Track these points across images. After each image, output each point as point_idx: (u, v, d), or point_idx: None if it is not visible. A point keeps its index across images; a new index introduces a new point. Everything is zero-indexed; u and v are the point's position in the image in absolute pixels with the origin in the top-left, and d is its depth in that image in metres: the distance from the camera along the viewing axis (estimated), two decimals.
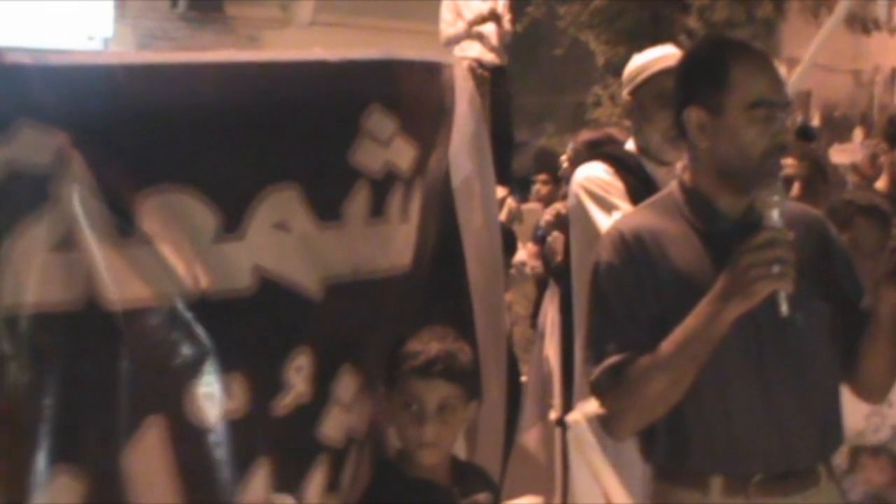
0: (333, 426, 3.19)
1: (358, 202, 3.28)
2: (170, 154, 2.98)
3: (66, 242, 2.80)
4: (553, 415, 5.12)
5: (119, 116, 2.91)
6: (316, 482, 3.14)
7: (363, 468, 3.34)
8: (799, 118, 15.75)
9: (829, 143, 15.43)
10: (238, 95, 3.13)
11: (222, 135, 3.07)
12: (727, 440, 2.79)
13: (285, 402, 3.08)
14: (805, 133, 8.53)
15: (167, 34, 15.17)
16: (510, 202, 8.82)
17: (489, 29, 10.43)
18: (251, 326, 3.03)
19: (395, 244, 3.39)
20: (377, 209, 3.32)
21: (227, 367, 2.97)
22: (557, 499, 4.90)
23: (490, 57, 10.52)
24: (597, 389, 2.82)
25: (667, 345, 2.69)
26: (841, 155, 14.07)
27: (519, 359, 6.69)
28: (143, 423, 2.85)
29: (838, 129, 17.90)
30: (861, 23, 16.09)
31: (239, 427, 2.96)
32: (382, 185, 3.34)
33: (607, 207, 3.99)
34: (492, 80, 10.57)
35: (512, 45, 10.90)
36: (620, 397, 2.77)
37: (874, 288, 2.83)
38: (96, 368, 2.84)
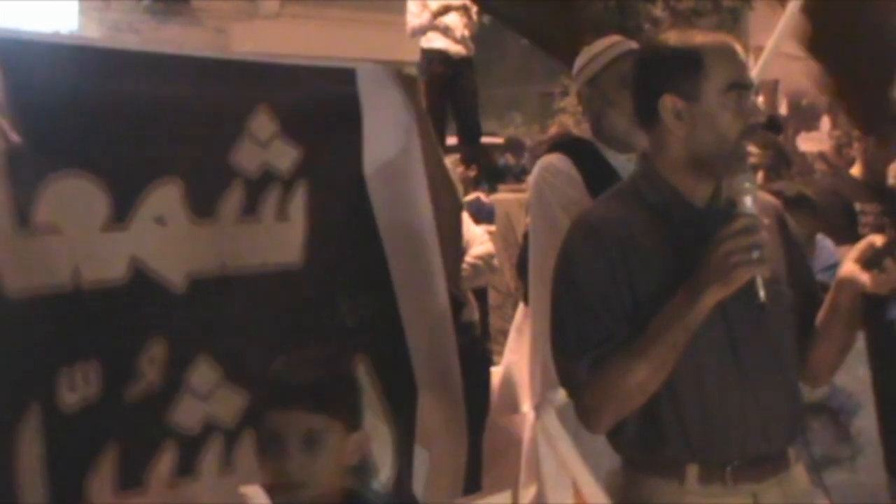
0: (185, 413, 3.27)
1: (232, 200, 3.36)
2: (74, 138, 3.02)
3: None
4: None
5: (31, 100, 2.94)
6: (163, 465, 3.22)
7: (244, 454, 3.40)
8: (764, 106, 15.79)
9: (796, 131, 15.49)
10: (138, 85, 3.18)
11: (121, 122, 3.13)
12: (703, 428, 2.79)
13: (136, 391, 3.15)
14: (771, 124, 8.58)
15: (132, 26, 15.10)
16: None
17: (454, 20, 10.44)
18: (115, 316, 3.10)
19: (271, 242, 3.46)
20: (250, 208, 3.40)
21: (88, 355, 3.03)
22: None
23: (456, 48, 10.53)
24: (574, 383, 2.79)
25: (646, 335, 2.68)
26: (808, 143, 14.15)
27: (492, 350, 6.71)
28: (27, 411, 2.90)
29: (805, 117, 17.95)
30: None
31: (92, 412, 3.01)
32: (257, 185, 3.43)
33: (565, 199, 4.00)
34: (459, 72, 10.59)
35: (478, 36, 10.91)
36: (599, 391, 2.74)
37: (839, 273, 2.85)
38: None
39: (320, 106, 3.64)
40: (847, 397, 3.89)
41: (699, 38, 2.80)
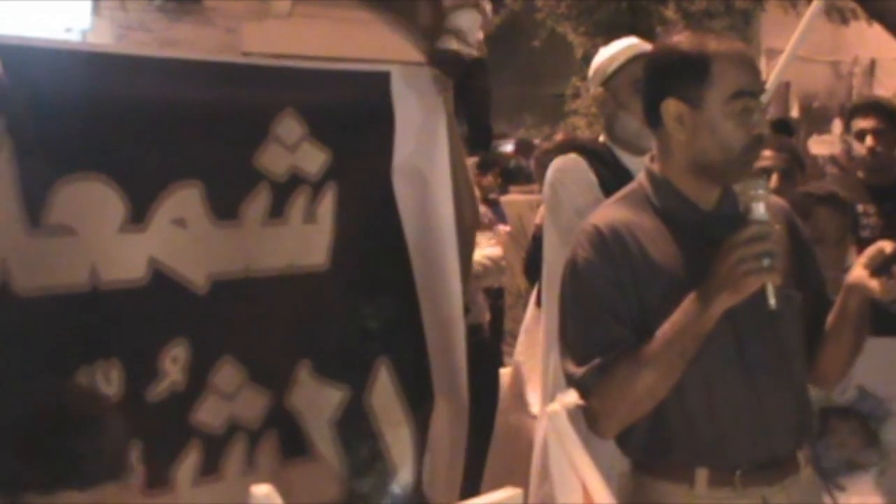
0: (210, 413, 3.28)
1: (257, 203, 3.36)
2: (89, 142, 3.02)
3: None
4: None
5: (49, 102, 2.94)
6: (188, 464, 3.24)
7: (266, 454, 3.44)
8: (775, 109, 15.76)
9: (807, 134, 15.46)
10: (156, 89, 3.18)
11: (139, 126, 3.13)
12: (712, 432, 2.78)
13: (159, 389, 3.16)
14: (783, 127, 8.56)
15: (144, 26, 15.12)
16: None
17: (467, 21, 10.44)
18: (135, 316, 3.10)
19: (298, 244, 3.46)
20: (277, 210, 3.40)
21: (107, 354, 3.04)
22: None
23: (468, 50, 10.53)
24: (582, 389, 2.79)
25: (654, 342, 2.68)
26: (820, 146, 14.11)
27: (503, 351, 6.70)
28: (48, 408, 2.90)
29: (817, 120, 17.94)
30: (839, 13, 16.11)
31: (115, 411, 3.02)
32: (285, 188, 3.42)
33: (580, 201, 3.99)
34: (471, 73, 10.58)
35: (490, 38, 10.90)
36: (608, 396, 2.74)
37: (848, 278, 2.84)
38: (3, 352, 2.87)
39: (353, 109, 3.63)
40: (877, 403, 3.86)
41: (710, 43, 2.76)
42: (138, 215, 3.12)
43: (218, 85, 3.35)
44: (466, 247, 4.13)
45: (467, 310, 4.32)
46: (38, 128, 2.92)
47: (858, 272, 2.80)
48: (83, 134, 3.02)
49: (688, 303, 2.64)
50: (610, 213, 2.92)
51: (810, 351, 2.93)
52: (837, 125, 16.95)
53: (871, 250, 2.80)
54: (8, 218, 2.87)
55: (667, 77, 2.80)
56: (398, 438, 3.77)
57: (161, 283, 3.18)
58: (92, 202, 3.03)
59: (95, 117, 3.05)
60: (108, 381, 3.05)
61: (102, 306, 3.04)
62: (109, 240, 3.06)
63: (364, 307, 3.69)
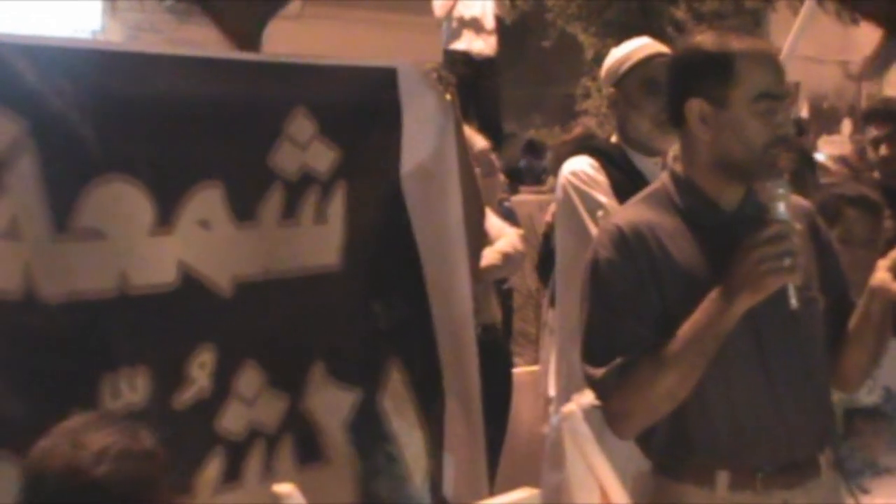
0: (232, 419, 3.26)
1: (272, 203, 3.34)
2: (115, 143, 3.00)
3: (11, 232, 2.81)
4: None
5: (78, 104, 2.92)
6: (211, 472, 3.22)
7: (283, 459, 3.42)
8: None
9: (817, 134, 15.42)
10: (177, 87, 3.17)
11: (162, 126, 3.11)
12: (732, 434, 2.78)
13: (186, 396, 3.15)
14: (794, 127, 8.53)
15: (154, 27, 15.13)
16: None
17: (480, 8, 10.40)
18: (165, 321, 3.09)
19: (310, 245, 3.44)
20: (290, 211, 3.39)
21: (133, 361, 3.01)
22: None
23: (479, 48, 10.49)
24: (602, 389, 2.78)
25: (675, 342, 2.68)
26: (829, 146, 14.06)
27: (513, 352, 6.69)
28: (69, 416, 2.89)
29: (826, 120, 17.88)
30: (849, 13, 16.07)
31: (138, 419, 3.00)
32: (297, 188, 3.41)
33: (592, 203, 3.99)
34: (481, 73, 10.56)
35: (500, 38, 10.88)
36: (628, 397, 2.74)
37: (871, 281, 2.84)
38: (27, 360, 2.86)
39: (360, 106, 3.62)
40: None
41: (735, 43, 2.77)
42: (165, 217, 3.11)
43: (235, 83, 3.34)
44: (474, 246, 4.12)
45: (476, 310, 4.32)
46: (63, 130, 2.91)
47: (881, 275, 2.80)
48: (109, 135, 3.00)
49: (708, 302, 2.64)
50: (632, 212, 2.92)
51: (832, 353, 2.93)
52: (847, 125, 16.89)
53: (894, 254, 2.80)
54: (32, 223, 2.85)
55: (691, 77, 2.81)
56: (412, 440, 3.76)
57: (189, 286, 3.15)
58: (121, 205, 3.01)
59: (119, 118, 3.03)
60: (133, 388, 3.03)
61: (131, 312, 3.03)
62: (140, 243, 3.04)
63: (375, 308, 3.69)
